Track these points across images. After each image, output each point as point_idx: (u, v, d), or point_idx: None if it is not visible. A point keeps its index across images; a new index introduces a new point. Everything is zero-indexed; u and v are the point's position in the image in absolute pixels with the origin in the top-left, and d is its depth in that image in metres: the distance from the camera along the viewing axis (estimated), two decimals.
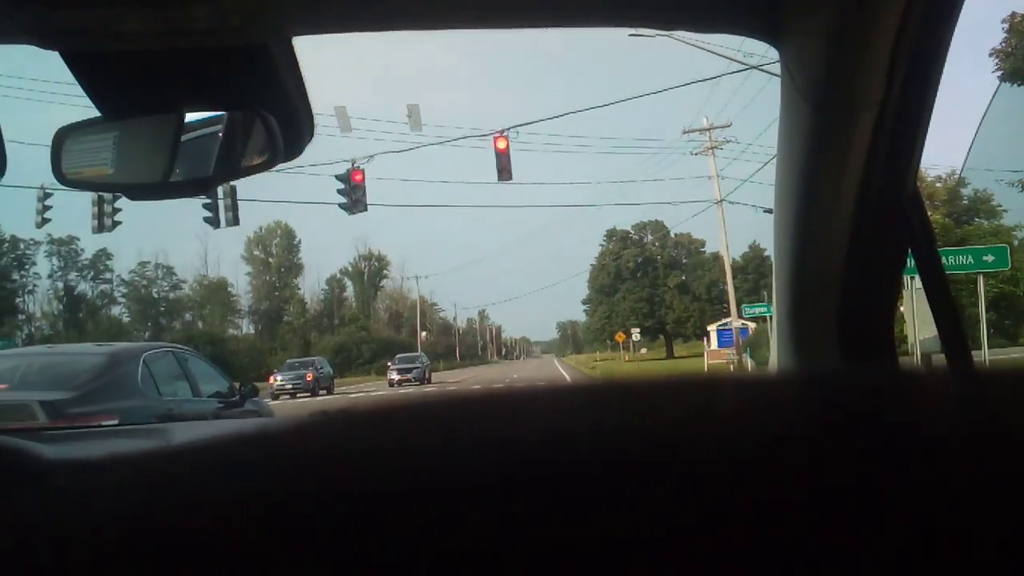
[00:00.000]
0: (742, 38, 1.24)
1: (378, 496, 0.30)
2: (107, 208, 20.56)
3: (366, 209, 19.87)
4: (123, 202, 20.54)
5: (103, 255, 65.97)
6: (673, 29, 1.22)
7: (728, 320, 35.03)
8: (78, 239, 63.30)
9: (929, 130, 1.16)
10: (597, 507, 0.28)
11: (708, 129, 31.95)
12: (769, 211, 1.39)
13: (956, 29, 1.08)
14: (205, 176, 1.16)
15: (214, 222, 20.13)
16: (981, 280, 15.47)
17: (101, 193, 19.30)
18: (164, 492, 0.33)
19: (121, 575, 0.28)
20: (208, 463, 0.36)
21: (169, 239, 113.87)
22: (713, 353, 33.50)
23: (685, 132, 32.93)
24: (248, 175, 1.16)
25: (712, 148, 31.51)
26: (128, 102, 1.14)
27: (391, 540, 0.27)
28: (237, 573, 0.27)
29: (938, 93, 1.13)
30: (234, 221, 20.46)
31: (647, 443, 0.32)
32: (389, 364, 42.64)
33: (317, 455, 0.34)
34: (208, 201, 19.40)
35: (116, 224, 21.00)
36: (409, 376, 38.22)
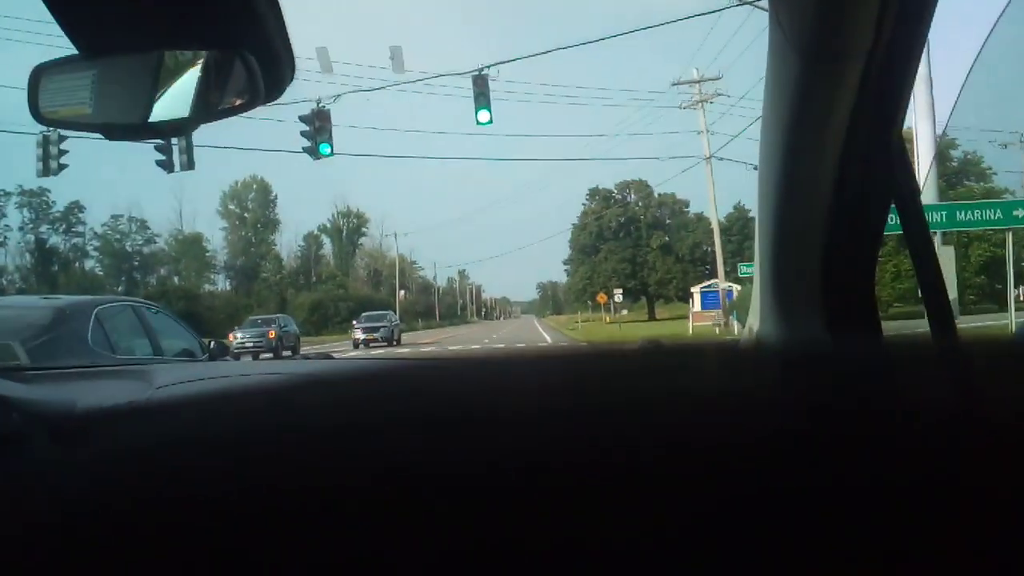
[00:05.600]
0: None
1: (350, 479, 0.30)
2: (52, 150, 19.47)
3: (332, 154, 18.94)
4: (81, 147, 19.83)
5: (75, 207, 65.45)
6: None
7: (714, 282, 34.94)
8: (49, 191, 62.75)
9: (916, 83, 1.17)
10: (577, 494, 0.28)
11: (698, 81, 31.41)
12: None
13: None
14: (184, 117, 1.16)
15: (167, 166, 19.06)
16: (1010, 237, 14.81)
17: (46, 135, 18.71)
18: (140, 471, 0.32)
19: (96, 559, 0.28)
20: (189, 435, 0.35)
21: (143, 192, 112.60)
22: (698, 315, 33.19)
23: (674, 84, 32.36)
24: (228, 116, 1.16)
25: (702, 102, 31.07)
26: (106, 40, 1.14)
27: (359, 525, 0.27)
28: (220, 555, 0.27)
29: (927, 49, 1.14)
30: (189, 165, 19.51)
31: (630, 425, 0.32)
32: (354, 323, 40.23)
33: (297, 424, 0.34)
34: (161, 143, 18.47)
35: (62, 167, 19.88)
36: (376, 336, 36.38)
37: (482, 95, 17.50)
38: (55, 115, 1.18)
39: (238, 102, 1.15)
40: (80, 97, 1.16)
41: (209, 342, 7.77)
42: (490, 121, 17.57)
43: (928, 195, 13.04)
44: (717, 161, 31.02)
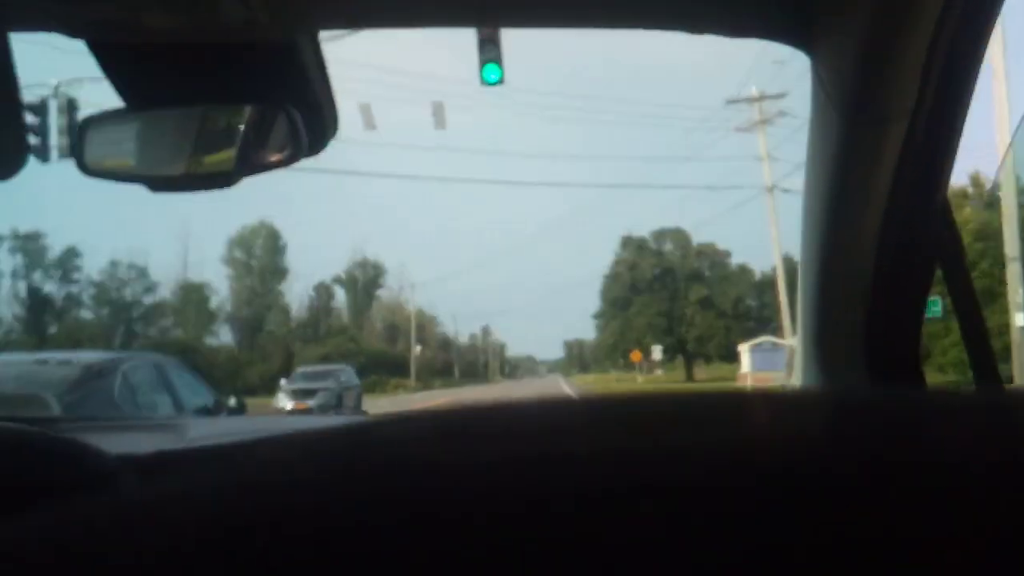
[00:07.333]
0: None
1: (367, 521, 0.30)
2: None
3: None
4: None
5: (72, 253, 66.17)
6: (702, 32, 1.30)
7: (766, 339, 33.66)
8: (44, 235, 63.60)
9: (962, 139, 1.23)
10: (593, 543, 0.28)
11: (757, 100, 29.07)
12: None
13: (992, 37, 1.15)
14: (227, 170, 1.25)
15: (42, 152, 17.11)
16: None
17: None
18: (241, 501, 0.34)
19: None
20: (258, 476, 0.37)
21: (146, 237, 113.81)
22: (757, 377, 31.14)
23: (729, 102, 30.08)
24: (271, 169, 1.26)
25: (762, 122, 28.81)
26: (153, 94, 1.24)
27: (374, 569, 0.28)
28: None
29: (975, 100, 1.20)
30: (70, 151, 17.73)
31: (653, 469, 0.32)
32: (283, 381, 30.48)
33: (345, 470, 0.35)
34: (34, 122, 16.39)
35: None
36: (308, 403, 24.85)
37: (490, 43, 12.78)
38: (100, 166, 1.27)
39: (280, 156, 1.24)
40: (125, 149, 1.26)
41: (228, 399, 8.22)
42: (500, 80, 13.04)
43: None
44: (778, 193, 28.21)
